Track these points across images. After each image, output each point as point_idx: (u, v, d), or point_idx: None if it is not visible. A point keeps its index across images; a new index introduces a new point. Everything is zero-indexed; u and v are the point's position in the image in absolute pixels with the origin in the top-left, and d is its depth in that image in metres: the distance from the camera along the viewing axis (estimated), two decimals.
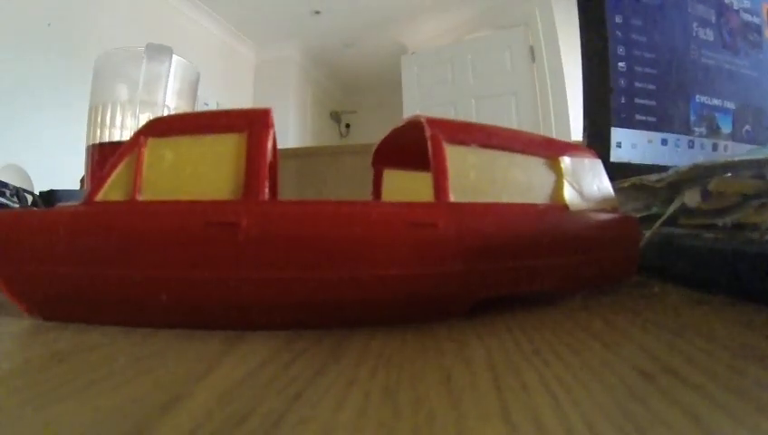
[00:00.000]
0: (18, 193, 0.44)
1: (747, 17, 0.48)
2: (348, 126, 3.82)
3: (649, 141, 0.43)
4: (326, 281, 0.15)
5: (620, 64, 0.42)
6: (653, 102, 0.43)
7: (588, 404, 0.09)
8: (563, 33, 2.12)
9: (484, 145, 0.18)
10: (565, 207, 0.19)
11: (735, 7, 0.47)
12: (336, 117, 3.74)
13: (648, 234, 0.24)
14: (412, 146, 0.22)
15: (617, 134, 0.42)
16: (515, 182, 0.19)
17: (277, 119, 0.17)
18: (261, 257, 0.14)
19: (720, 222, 0.22)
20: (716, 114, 0.45)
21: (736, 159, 0.23)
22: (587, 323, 0.15)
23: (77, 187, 0.56)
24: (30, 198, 0.46)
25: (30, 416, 0.09)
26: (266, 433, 0.08)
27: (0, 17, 1.39)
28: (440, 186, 0.17)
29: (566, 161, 0.20)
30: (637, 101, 0.42)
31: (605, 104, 0.41)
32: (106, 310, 0.15)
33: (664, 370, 0.11)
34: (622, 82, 0.42)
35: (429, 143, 0.17)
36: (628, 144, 0.42)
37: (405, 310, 0.16)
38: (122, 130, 0.34)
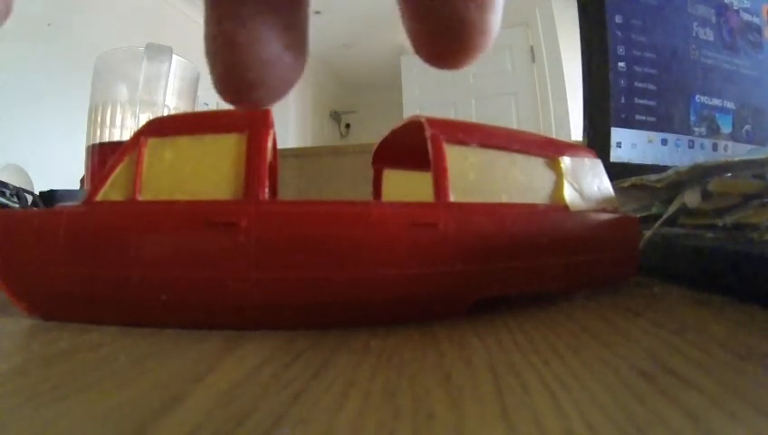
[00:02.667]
0: (18, 193, 0.44)
1: (747, 17, 0.47)
2: (348, 126, 3.82)
3: (649, 141, 0.43)
4: (326, 281, 0.15)
5: (620, 64, 0.42)
6: (653, 102, 0.43)
7: (588, 404, 0.09)
8: (563, 33, 2.11)
9: (484, 145, 0.18)
10: (565, 207, 0.19)
11: (735, 7, 0.47)
12: (336, 117, 3.74)
13: (648, 234, 0.24)
14: (412, 146, 0.22)
15: (617, 134, 0.42)
16: (515, 182, 0.19)
17: (277, 119, 0.17)
18: (261, 257, 0.14)
19: (720, 222, 0.22)
20: (716, 114, 0.45)
21: (736, 159, 0.23)
22: (587, 323, 0.15)
23: (77, 187, 0.56)
24: (30, 198, 0.46)
25: (30, 416, 0.09)
26: (266, 433, 0.08)
27: None
28: (440, 186, 0.17)
29: (566, 161, 0.20)
30: (637, 101, 0.42)
31: (605, 104, 0.41)
32: (106, 310, 0.15)
33: (664, 370, 0.11)
34: (622, 82, 0.42)
35: (429, 143, 0.17)
36: (628, 144, 0.42)
37: (405, 310, 0.16)
38: (122, 130, 0.34)
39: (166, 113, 0.35)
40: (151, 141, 0.16)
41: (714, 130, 0.45)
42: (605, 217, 0.21)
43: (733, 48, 0.46)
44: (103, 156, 0.33)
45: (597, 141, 0.41)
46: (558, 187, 0.20)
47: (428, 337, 0.14)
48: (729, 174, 0.23)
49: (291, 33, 0.08)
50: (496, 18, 0.07)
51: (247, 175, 0.16)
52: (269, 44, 0.08)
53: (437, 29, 0.07)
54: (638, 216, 0.26)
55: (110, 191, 0.16)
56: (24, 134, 1.48)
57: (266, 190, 0.16)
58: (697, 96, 0.45)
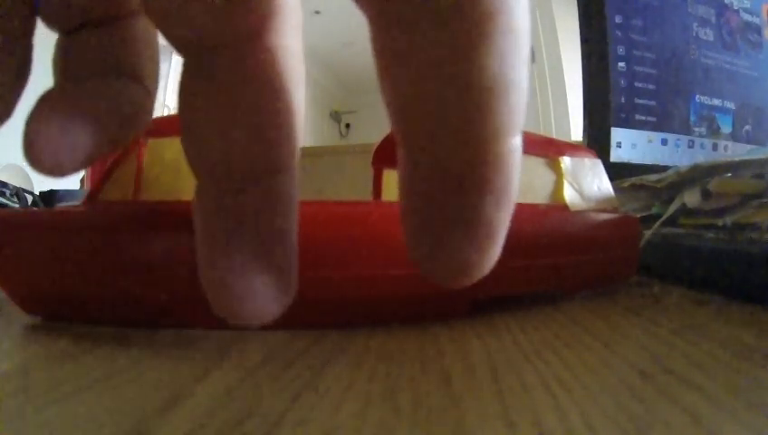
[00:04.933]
0: (18, 193, 0.44)
1: (747, 17, 0.48)
2: (348, 126, 3.82)
3: (649, 141, 0.43)
4: (326, 281, 0.15)
5: (620, 64, 0.42)
6: (653, 102, 0.43)
7: (588, 404, 0.09)
8: (563, 33, 2.11)
9: None
10: (565, 207, 0.19)
11: (735, 7, 0.47)
12: (336, 117, 3.74)
13: (648, 234, 0.24)
14: None
15: (617, 134, 0.42)
16: None
17: None
18: None
19: (720, 222, 0.22)
20: (716, 114, 0.45)
21: (736, 159, 0.23)
22: (587, 323, 0.15)
23: (77, 187, 0.56)
24: (30, 198, 0.46)
25: (30, 416, 0.09)
26: (266, 433, 0.08)
27: None
28: None
29: (566, 161, 0.20)
30: (637, 101, 0.42)
31: (605, 104, 0.41)
32: (106, 310, 0.15)
33: (664, 370, 0.11)
34: (622, 82, 0.42)
35: None
36: (628, 144, 0.42)
37: (405, 310, 0.16)
38: None
39: (166, 113, 0.35)
40: (151, 141, 0.16)
41: (714, 130, 0.45)
42: (605, 217, 0.21)
43: (733, 48, 0.46)
44: (103, 156, 0.33)
45: (597, 141, 0.41)
46: (558, 187, 0.20)
47: (428, 337, 0.14)
48: (729, 174, 0.23)
49: (282, 276, 0.09)
50: (494, 252, 0.08)
51: None
52: (263, 295, 0.08)
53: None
54: (638, 216, 0.26)
55: (110, 191, 0.16)
56: None
57: None
58: (697, 96, 0.45)
